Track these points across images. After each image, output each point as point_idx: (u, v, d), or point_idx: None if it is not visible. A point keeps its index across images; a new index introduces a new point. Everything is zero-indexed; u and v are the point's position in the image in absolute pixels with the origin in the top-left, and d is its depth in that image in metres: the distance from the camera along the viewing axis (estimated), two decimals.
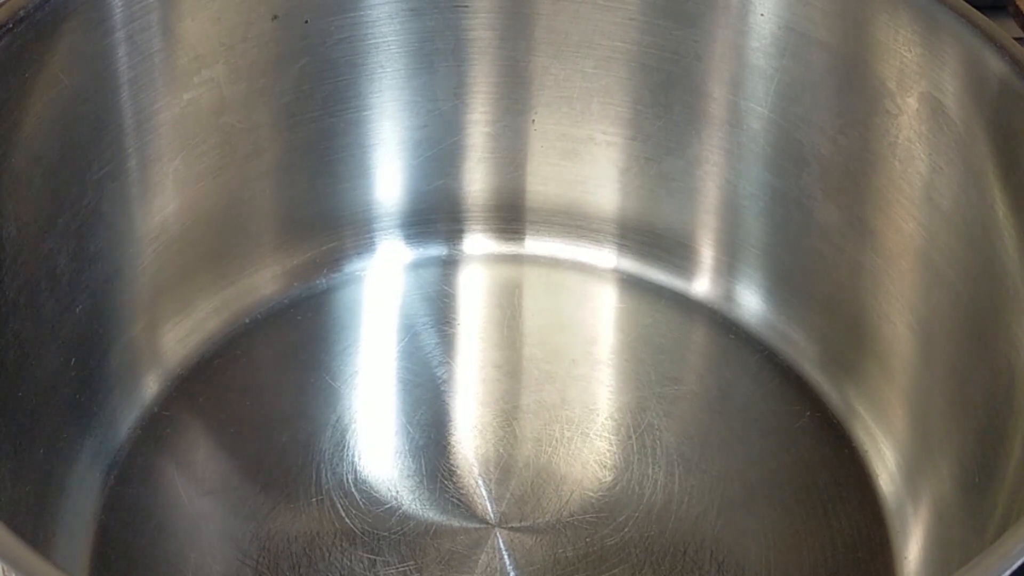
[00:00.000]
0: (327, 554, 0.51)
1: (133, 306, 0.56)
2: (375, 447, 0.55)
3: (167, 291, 0.57)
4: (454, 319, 0.60)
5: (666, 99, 0.59)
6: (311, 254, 0.61)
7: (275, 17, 0.56)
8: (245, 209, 0.59)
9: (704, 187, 0.60)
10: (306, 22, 0.57)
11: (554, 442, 0.55)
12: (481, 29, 0.59)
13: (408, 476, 0.54)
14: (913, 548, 0.52)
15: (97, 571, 0.50)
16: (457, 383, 0.58)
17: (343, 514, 0.52)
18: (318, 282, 0.61)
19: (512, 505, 0.53)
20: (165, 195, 0.56)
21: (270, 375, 0.57)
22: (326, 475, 0.54)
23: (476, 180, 0.62)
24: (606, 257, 0.63)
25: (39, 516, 0.49)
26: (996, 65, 0.49)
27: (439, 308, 0.61)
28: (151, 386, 0.56)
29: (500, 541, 0.52)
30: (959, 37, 0.50)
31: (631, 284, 0.62)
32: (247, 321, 0.59)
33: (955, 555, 0.49)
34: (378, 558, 0.51)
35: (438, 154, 0.61)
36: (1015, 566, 0.37)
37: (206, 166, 0.57)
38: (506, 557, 0.51)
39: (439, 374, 0.58)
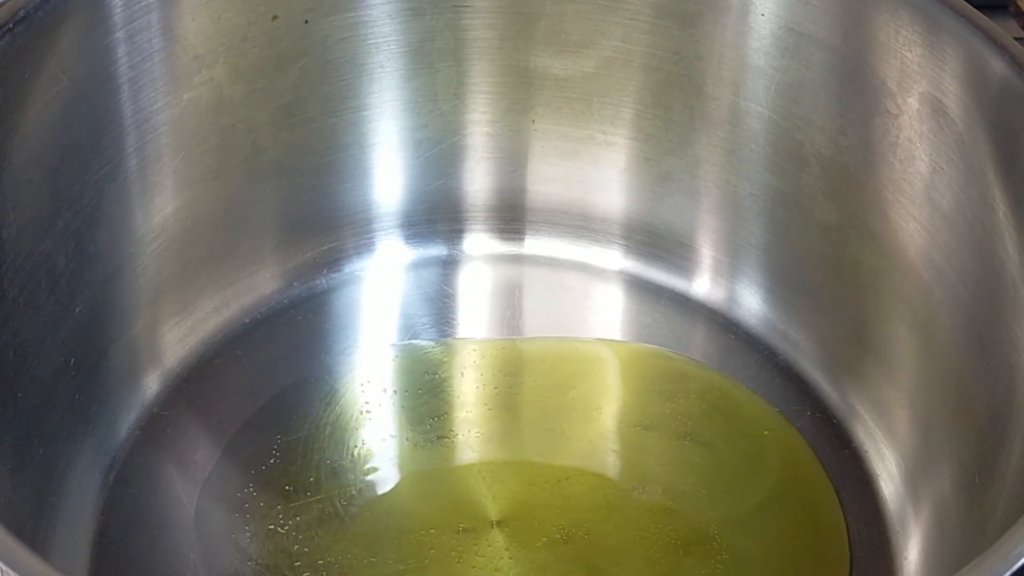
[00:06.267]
0: (326, 553, 0.51)
1: (133, 306, 0.56)
2: (373, 446, 0.55)
3: (167, 291, 0.57)
4: (454, 319, 0.60)
5: (666, 99, 0.59)
6: (311, 254, 0.61)
7: (275, 17, 0.56)
8: (245, 209, 0.59)
9: (704, 187, 0.60)
10: (306, 22, 0.57)
11: (554, 441, 0.55)
12: (481, 29, 0.59)
13: (408, 475, 0.54)
14: (913, 548, 0.52)
15: (97, 571, 0.50)
16: (455, 384, 0.58)
17: (341, 513, 0.52)
18: (318, 282, 0.61)
19: (512, 504, 0.53)
20: (165, 195, 0.56)
21: (270, 375, 0.57)
22: (325, 474, 0.54)
23: (476, 180, 0.62)
24: (605, 257, 0.63)
25: (38, 516, 0.49)
26: (997, 65, 0.49)
27: (439, 308, 0.61)
28: (150, 386, 0.56)
29: (500, 540, 0.52)
30: (960, 37, 0.50)
31: (631, 284, 0.62)
32: (247, 321, 0.59)
33: (955, 555, 0.49)
34: (377, 557, 0.51)
35: (438, 154, 0.61)
36: (1016, 567, 0.37)
37: (206, 166, 0.57)
38: (506, 556, 0.51)
39: (437, 375, 0.58)
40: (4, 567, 0.36)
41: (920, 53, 0.51)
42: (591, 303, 0.62)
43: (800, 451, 0.55)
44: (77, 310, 0.52)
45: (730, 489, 0.54)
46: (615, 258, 0.62)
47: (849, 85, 0.54)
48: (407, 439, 0.55)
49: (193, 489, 0.53)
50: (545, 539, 0.52)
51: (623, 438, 0.56)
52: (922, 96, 0.52)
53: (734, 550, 0.52)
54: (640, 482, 0.54)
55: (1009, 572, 0.37)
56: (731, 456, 0.55)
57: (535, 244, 0.63)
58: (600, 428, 0.56)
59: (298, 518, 0.52)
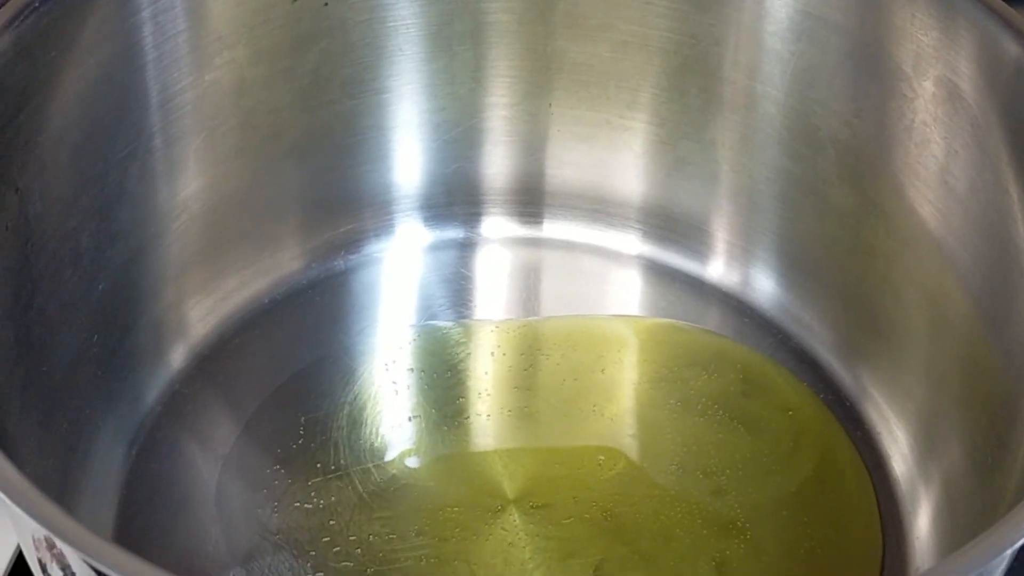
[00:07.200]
0: (345, 529, 0.51)
1: (155, 285, 0.56)
2: (392, 425, 0.55)
3: (188, 270, 0.57)
4: (471, 301, 0.61)
5: (682, 83, 0.60)
6: (331, 235, 0.61)
7: None
8: (266, 190, 0.59)
9: (720, 171, 0.61)
10: (326, 4, 0.57)
11: (570, 420, 0.56)
12: (500, 12, 0.59)
13: (425, 453, 0.54)
14: (924, 528, 0.52)
15: (119, 543, 0.50)
16: (473, 364, 0.58)
17: (361, 490, 0.53)
18: (337, 263, 0.61)
19: (528, 482, 0.53)
20: (187, 175, 0.56)
21: (289, 354, 0.58)
22: (344, 452, 0.54)
23: (494, 163, 0.63)
24: (622, 240, 0.63)
25: (62, 490, 0.50)
26: (1012, 49, 0.49)
27: (457, 290, 0.61)
28: (172, 364, 0.56)
29: (516, 517, 0.52)
30: (975, 21, 0.50)
31: (646, 267, 0.62)
32: (267, 301, 0.59)
33: (966, 535, 0.49)
34: (395, 533, 0.51)
35: (456, 137, 0.62)
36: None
37: (227, 147, 0.57)
38: (522, 533, 0.52)
39: (456, 355, 0.58)
40: (43, 533, 0.36)
41: (935, 37, 0.52)
42: (607, 286, 0.62)
43: (834, 431, 0.55)
44: (100, 287, 0.53)
45: (765, 471, 0.54)
46: (631, 241, 0.63)
47: (865, 69, 0.55)
48: (428, 419, 0.56)
49: (214, 465, 0.53)
50: (561, 515, 0.52)
51: (639, 419, 0.56)
52: (937, 80, 0.52)
53: (762, 534, 0.52)
54: (667, 461, 0.54)
55: (1018, 544, 0.37)
56: (767, 435, 0.55)
57: (552, 227, 0.63)
58: (617, 410, 0.56)
59: (319, 495, 0.52)
